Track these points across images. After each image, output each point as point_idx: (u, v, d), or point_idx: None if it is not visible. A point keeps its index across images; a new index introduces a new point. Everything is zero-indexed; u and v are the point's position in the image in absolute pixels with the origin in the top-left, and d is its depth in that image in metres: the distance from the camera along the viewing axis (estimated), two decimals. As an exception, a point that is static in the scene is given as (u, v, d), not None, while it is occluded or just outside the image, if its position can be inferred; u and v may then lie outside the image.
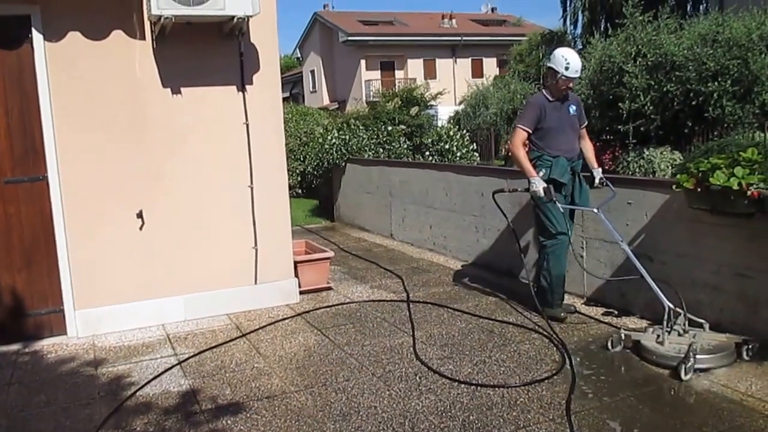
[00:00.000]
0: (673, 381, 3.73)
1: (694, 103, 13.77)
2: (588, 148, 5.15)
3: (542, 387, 3.74)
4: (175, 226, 5.17)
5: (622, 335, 4.23)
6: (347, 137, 9.53)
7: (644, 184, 4.98)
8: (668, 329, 4.07)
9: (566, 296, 5.17)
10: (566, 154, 4.85)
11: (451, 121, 21.06)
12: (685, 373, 3.71)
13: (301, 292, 5.74)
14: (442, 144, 10.12)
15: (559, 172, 4.79)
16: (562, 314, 4.89)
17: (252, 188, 5.38)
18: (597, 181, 4.97)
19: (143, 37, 4.94)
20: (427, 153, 10.03)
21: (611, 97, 15.18)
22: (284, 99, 42.08)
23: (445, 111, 26.08)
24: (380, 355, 4.35)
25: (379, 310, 5.34)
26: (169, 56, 5.04)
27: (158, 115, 5.06)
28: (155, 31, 4.90)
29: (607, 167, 16.21)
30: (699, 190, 4.10)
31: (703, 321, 4.13)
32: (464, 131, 12.18)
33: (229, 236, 5.36)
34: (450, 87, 33.83)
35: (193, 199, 5.21)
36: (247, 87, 5.31)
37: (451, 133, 10.33)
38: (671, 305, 4.11)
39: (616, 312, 4.96)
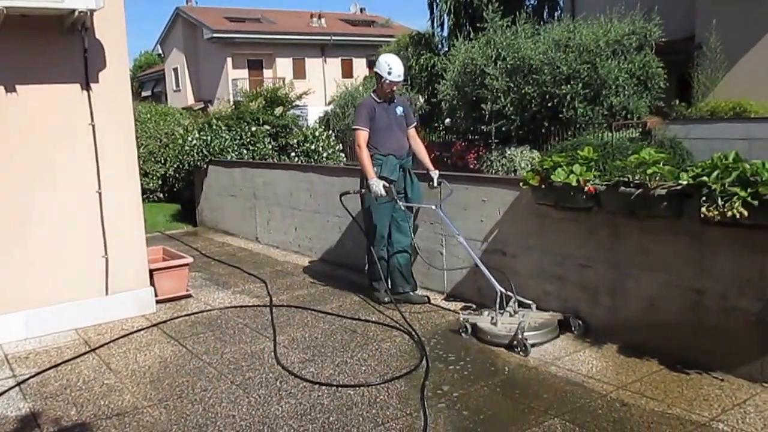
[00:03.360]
0: (520, 368, 3.93)
1: (550, 104, 14.65)
2: (420, 148, 5.51)
3: (401, 383, 3.80)
4: (10, 236, 4.75)
5: (461, 319, 4.55)
6: (209, 138, 9.23)
7: (497, 182, 5.22)
8: (500, 311, 4.44)
9: (427, 291, 5.39)
10: (396, 152, 5.20)
11: (321, 121, 21.07)
12: (516, 349, 4.13)
13: (158, 301, 5.47)
14: (308, 145, 10.05)
15: (389, 170, 5.12)
16: (386, 299, 5.26)
17: (100, 193, 5.05)
18: (435, 182, 5.30)
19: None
20: (293, 154, 9.92)
21: (474, 98, 15.83)
22: (145, 98, 40.02)
23: (315, 111, 26.02)
24: (240, 362, 4.23)
25: (241, 316, 5.21)
26: (1, 50, 4.62)
27: (-12, 116, 4.63)
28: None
29: (471, 166, 16.91)
30: (543, 186, 4.34)
31: (530, 302, 4.57)
32: (332, 132, 12.19)
33: (75, 245, 5.00)
34: (320, 87, 33.80)
35: (31, 205, 4.81)
36: (93, 86, 4.98)
37: (317, 133, 10.29)
38: (503, 289, 4.50)
39: (474, 306, 5.15)
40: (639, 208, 3.86)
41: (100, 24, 4.92)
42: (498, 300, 4.46)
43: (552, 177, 4.21)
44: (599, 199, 4.10)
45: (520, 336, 4.14)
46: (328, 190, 6.84)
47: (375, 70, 5.29)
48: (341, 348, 4.41)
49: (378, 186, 4.98)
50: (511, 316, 4.46)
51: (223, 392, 3.78)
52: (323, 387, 3.78)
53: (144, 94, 44.21)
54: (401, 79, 5.19)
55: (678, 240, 3.83)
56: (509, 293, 4.52)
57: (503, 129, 15.55)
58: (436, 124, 19.65)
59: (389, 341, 4.50)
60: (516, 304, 4.53)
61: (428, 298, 5.35)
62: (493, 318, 4.42)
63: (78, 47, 4.88)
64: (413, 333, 4.59)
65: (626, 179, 3.97)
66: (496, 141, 15.91)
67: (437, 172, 5.33)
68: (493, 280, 4.55)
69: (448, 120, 18.30)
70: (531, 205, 4.60)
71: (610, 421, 3.24)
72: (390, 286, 5.32)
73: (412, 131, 5.45)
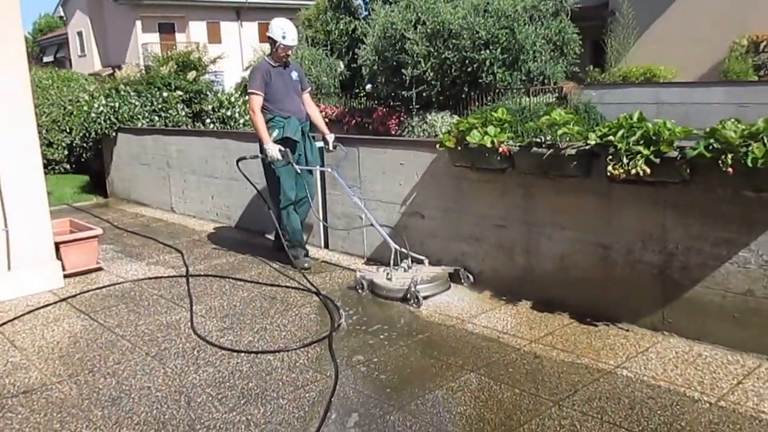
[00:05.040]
0: (438, 327, 4.01)
1: (469, 69, 14.79)
2: (315, 113, 5.59)
3: (321, 346, 3.80)
4: None
5: (357, 276, 4.73)
6: (117, 104, 8.80)
7: (414, 144, 5.23)
8: (395, 267, 4.65)
9: (346, 257, 5.44)
10: (296, 114, 5.28)
11: (238, 87, 20.48)
12: (410, 302, 4.35)
13: (66, 276, 5.22)
14: (224, 111, 9.77)
15: (292, 130, 5.19)
16: (307, 264, 5.30)
17: (-4, 163, 4.74)
18: (331, 145, 5.39)
19: None
20: (209, 121, 9.63)
21: (395, 63, 15.79)
22: (47, 64, 37.68)
23: (232, 77, 25.27)
24: (156, 333, 4.11)
25: (156, 288, 5.05)
26: None
27: None
28: None
29: (393, 132, 16.95)
30: (459, 148, 4.39)
31: (423, 258, 4.78)
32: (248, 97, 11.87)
33: (-29, 218, 4.69)
34: (237, 52, 32.77)
35: None
36: (-18, 48, 4.63)
37: (233, 99, 10.00)
38: (397, 246, 4.73)
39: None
40: (550, 167, 3.96)
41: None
42: (392, 257, 4.68)
43: (467, 138, 4.26)
44: (513, 160, 4.18)
45: (413, 289, 4.34)
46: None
47: (269, 34, 5.25)
48: (260, 315, 4.36)
49: (274, 150, 5.03)
50: (405, 271, 4.66)
51: (137, 364, 3.67)
52: (242, 354, 3.73)
53: (46, 59, 41.71)
54: (295, 43, 5.26)
55: (587, 198, 3.96)
56: (403, 250, 4.73)
57: (424, 94, 15.64)
58: (357, 90, 19.52)
59: (309, 306, 4.49)
60: (410, 260, 4.72)
61: (310, 263, 5.37)
62: (388, 274, 4.61)
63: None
64: (320, 294, 4.61)
65: (538, 140, 4.07)
66: (417, 107, 16.00)
67: (333, 135, 5.43)
68: (388, 238, 4.77)
69: (369, 86, 18.22)
70: (448, 167, 4.64)
71: (523, 373, 3.35)
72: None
73: (306, 96, 5.52)
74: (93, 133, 8.93)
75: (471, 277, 4.64)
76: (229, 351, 3.78)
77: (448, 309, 4.29)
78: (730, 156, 3.16)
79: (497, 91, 15.03)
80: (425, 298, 4.38)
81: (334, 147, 5.40)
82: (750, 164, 3.08)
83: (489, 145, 4.16)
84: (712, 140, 3.24)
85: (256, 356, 3.70)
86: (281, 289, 4.88)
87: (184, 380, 3.45)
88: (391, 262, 4.67)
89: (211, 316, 4.37)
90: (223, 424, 3.00)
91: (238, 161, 5.55)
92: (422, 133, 15.05)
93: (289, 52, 5.28)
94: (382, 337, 3.91)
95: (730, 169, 3.16)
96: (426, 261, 4.77)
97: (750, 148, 3.11)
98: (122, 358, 3.77)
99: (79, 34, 38.25)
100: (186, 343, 3.93)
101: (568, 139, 3.87)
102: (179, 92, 9.42)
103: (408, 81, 15.32)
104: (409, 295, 4.38)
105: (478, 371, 3.40)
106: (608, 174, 3.56)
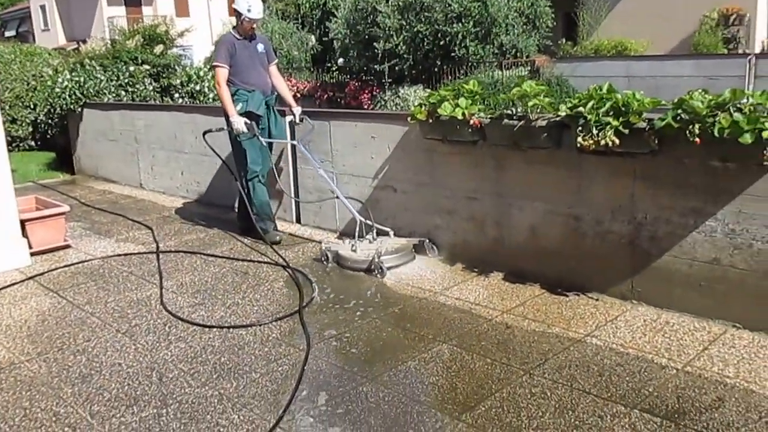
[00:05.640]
0: (411, 299, 4.02)
1: (442, 43, 14.67)
2: (281, 85, 5.57)
3: (294, 320, 3.79)
4: None
5: (323, 248, 4.76)
6: (82, 79, 8.57)
7: (385, 118, 5.21)
8: (360, 239, 4.70)
9: (318, 231, 5.45)
10: (260, 88, 5.23)
11: (207, 62, 20.12)
12: (374, 272, 4.42)
13: (33, 254, 5.13)
14: (193, 85, 9.59)
15: (256, 104, 5.15)
16: (278, 237, 5.29)
17: (-44, 138, 4.61)
18: (297, 118, 5.38)
19: None
20: (177, 95, 9.44)
21: (367, 36, 15.62)
22: (10, 38, 36.70)
23: (200, 51, 24.79)
24: (126, 310, 4.07)
25: (126, 264, 4.99)
26: None
27: None
28: None
29: (366, 106, 16.82)
30: (431, 121, 4.37)
31: (389, 230, 4.81)
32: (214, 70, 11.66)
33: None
34: (206, 26, 32.18)
35: None
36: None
37: (202, 73, 9.82)
38: (362, 218, 4.77)
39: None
40: (521, 139, 3.97)
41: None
42: (357, 228, 4.73)
43: (439, 111, 4.24)
44: (484, 132, 4.18)
45: (376, 260, 4.41)
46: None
47: (234, 7, 5.20)
48: (232, 290, 4.33)
49: (239, 123, 5.01)
50: (370, 243, 4.71)
51: (108, 341, 3.63)
52: (214, 329, 3.71)
53: (8, 34, 40.52)
54: (260, 16, 5.22)
55: (558, 170, 3.98)
56: (368, 222, 4.78)
57: (396, 68, 15.51)
58: (328, 65, 19.28)
59: (281, 281, 4.47)
60: (375, 232, 4.77)
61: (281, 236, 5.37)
62: (353, 246, 4.66)
63: None
64: (289, 267, 4.62)
65: (509, 112, 4.07)
66: (389, 81, 15.88)
67: (300, 108, 5.42)
68: (353, 210, 4.83)
69: (341, 60, 18.01)
70: (420, 140, 4.62)
71: (495, 343, 3.39)
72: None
73: (273, 68, 5.48)
74: (58, 109, 8.70)
75: (435, 248, 4.69)
76: (201, 326, 3.76)
77: (421, 282, 4.30)
78: (697, 126, 3.19)
79: (470, 64, 14.97)
80: (389, 268, 4.44)
81: (301, 120, 5.39)
82: (717, 134, 3.11)
83: (460, 117, 4.15)
84: (679, 111, 3.27)
85: (228, 331, 3.68)
86: (253, 264, 4.85)
87: (156, 356, 3.42)
88: (356, 234, 4.72)
89: (182, 292, 4.33)
90: (195, 398, 2.99)
91: (204, 134, 5.52)
92: (395, 108, 14.96)
93: (255, 25, 5.23)
94: (354, 310, 3.91)
95: (697, 140, 3.19)
96: (391, 233, 4.80)
97: (717, 119, 3.14)
98: (92, 335, 3.72)
99: (42, 7, 37.15)
100: (157, 320, 3.90)
101: (539, 110, 3.87)
102: (146, 66, 9.21)
103: (380, 55, 15.18)
104: (373, 266, 4.44)
105: (450, 342, 3.42)
106: (578, 145, 3.58)
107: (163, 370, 3.26)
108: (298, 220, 5.89)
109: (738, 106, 3.16)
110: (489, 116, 4.13)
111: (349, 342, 3.50)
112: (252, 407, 2.90)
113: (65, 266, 4.98)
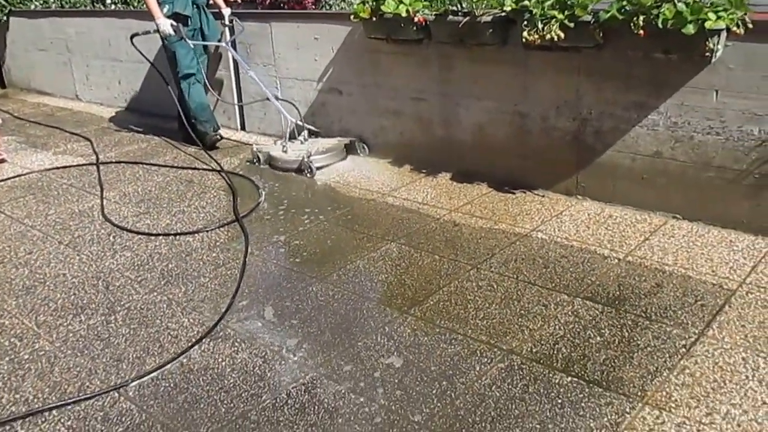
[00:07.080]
0: (359, 201, 4.02)
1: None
2: None
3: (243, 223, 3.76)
4: None
5: (254, 149, 4.82)
6: (3, -17, 7.97)
7: (327, 17, 5.02)
8: (292, 140, 4.75)
9: (263, 138, 5.37)
10: None
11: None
12: (304, 172, 4.49)
13: (-36, 169, 4.91)
14: (127, -10, 9.02)
15: (182, 5, 4.97)
16: (217, 136, 5.26)
17: None
18: (227, 19, 5.26)
19: None
20: (109, 1, 8.88)
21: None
22: None
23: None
24: (68, 222, 3.96)
25: (65, 177, 4.82)
26: None
27: None
28: None
29: (311, 8, 16.24)
30: (375, 19, 4.23)
31: (319, 130, 4.92)
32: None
33: None
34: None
35: None
36: None
37: (135, -24, 9.22)
38: (292, 119, 4.76)
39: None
40: (467, 36, 3.89)
41: None
42: (288, 129, 4.73)
43: (382, 8, 4.09)
44: (429, 30, 4.08)
45: (306, 160, 4.46)
46: (152, 36, 6.25)
47: None
48: (178, 198, 4.25)
49: (165, 25, 4.86)
50: (301, 144, 4.75)
51: (50, 253, 3.55)
52: (160, 237, 3.66)
53: None
54: None
55: (503, 67, 3.93)
56: (299, 122, 4.80)
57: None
58: (270, -33, 18.39)
59: (227, 188, 4.39)
60: (306, 132, 4.81)
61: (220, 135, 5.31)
62: (284, 146, 4.70)
63: None
64: (225, 172, 4.60)
65: (455, 8, 3.95)
66: (334, -17, 15.28)
67: (229, 9, 5.29)
68: (284, 111, 4.78)
69: (282, -38, 17.18)
70: (364, 40, 4.49)
71: (443, 241, 3.44)
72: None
73: None
74: (-21, 17, 8.11)
75: (366, 147, 4.77)
76: (146, 235, 3.70)
77: (369, 184, 4.29)
78: (642, 18, 3.17)
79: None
80: (319, 168, 4.50)
81: (230, 21, 5.26)
82: (660, 26, 3.10)
83: (404, 14, 4.03)
84: (624, 2, 3.22)
85: (174, 238, 3.63)
86: (198, 171, 4.75)
87: (101, 265, 3.37)
88: (286, 135, 4.73)
89: (126, 202, 4.22)
90: (144, 304, 2.97)
91: (132, 38, 5.23)
92: (338, 9, 14.48)
93: None
94: (303, 214, 3.89)
95: (641, 32, 3.17)
96: (322, 133, 4.88)
97: (661, 10, 3.12)
98: (34, 247, 3.63)
99: None
100: (101, 230, 3.81)
101: (484, 5, 3.77)
102: (73, -32, 8.58)
103: (324, -45, 14.51)
104: (302, 166, 4.49)
105: (398, 241, 3.46)
106: (524, 40, 3.52)
107: (109, 279, 3.22)
108: (243, 128, 5.75)
109: (682, -4, 3.13)
110: (434, 13, 4.01)
111: (298, 245, 3.50)
112: (202, 310, 2.90)
113: (1, 181, 4.78)
